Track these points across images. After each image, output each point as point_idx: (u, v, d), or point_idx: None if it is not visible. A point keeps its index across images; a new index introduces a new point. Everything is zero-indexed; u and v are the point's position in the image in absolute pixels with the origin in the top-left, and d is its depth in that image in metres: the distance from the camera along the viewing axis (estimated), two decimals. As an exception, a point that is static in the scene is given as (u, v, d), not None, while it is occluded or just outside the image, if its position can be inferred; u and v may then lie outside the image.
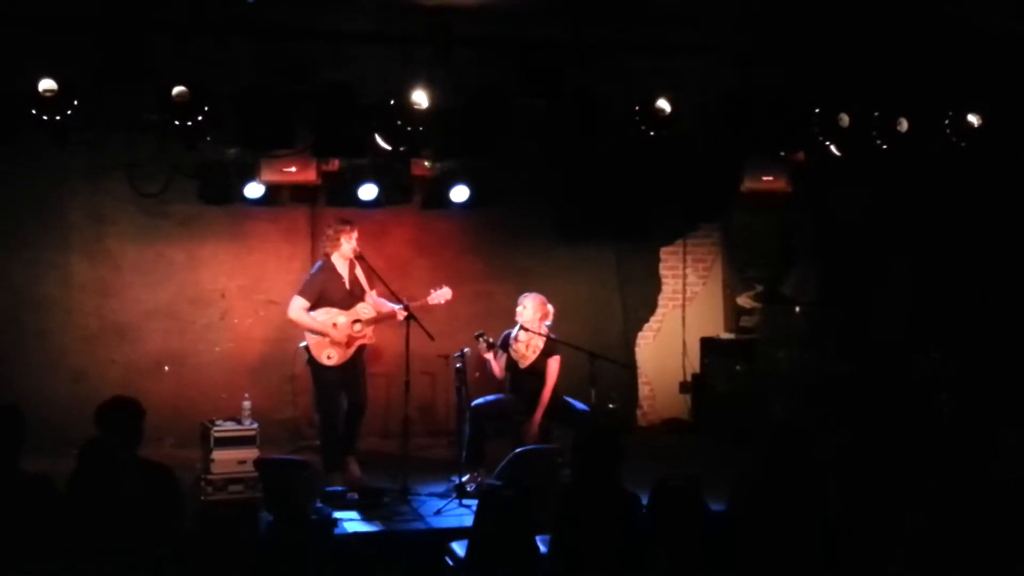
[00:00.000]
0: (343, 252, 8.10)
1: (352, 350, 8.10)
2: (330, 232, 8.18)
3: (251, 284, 9.85)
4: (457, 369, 7.99)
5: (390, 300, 8.23)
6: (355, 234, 8.10)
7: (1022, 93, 8.55)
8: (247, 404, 8.01)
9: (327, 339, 8.02)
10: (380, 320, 8.20)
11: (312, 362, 8.12)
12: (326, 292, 8.08)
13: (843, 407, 9.52)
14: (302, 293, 8.06)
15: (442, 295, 8.31)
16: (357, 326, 8.08)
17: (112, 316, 9.54)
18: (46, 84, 7.02)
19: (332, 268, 8.15)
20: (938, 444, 7.94)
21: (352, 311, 8.11)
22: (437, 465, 8.76)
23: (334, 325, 8.03)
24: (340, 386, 8.14)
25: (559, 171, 9.84)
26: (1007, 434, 6.81)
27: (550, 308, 8.43)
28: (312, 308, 8.03)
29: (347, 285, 8.16)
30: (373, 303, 8.25)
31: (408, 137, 7.81)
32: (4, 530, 4.75)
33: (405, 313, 8.01)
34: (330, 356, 8.03)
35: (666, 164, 9.30)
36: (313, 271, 8.29)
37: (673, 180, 9.83)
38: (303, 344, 8.18)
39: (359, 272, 8.22)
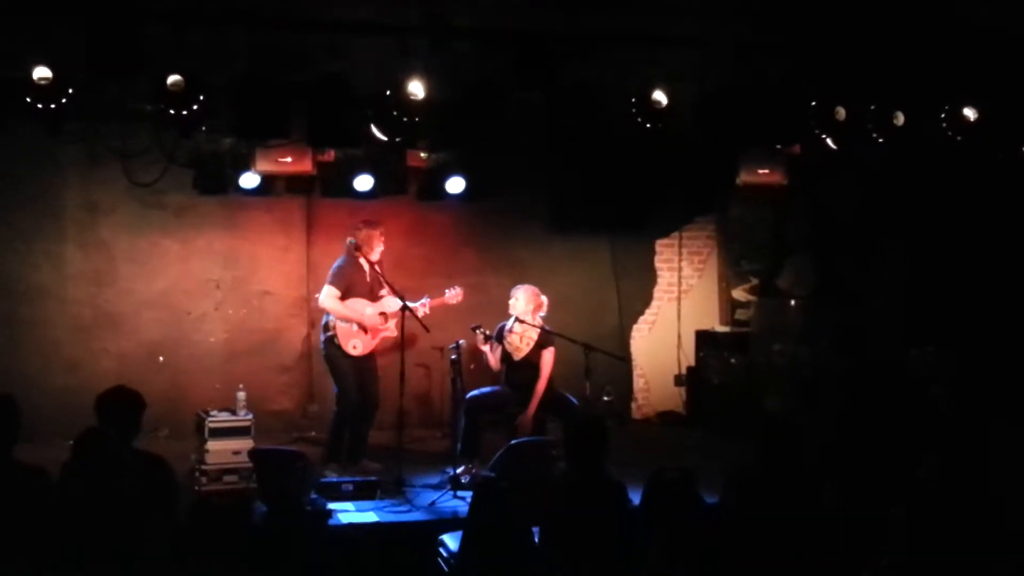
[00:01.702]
0: (366, 254, 8.15)
1: (376, 341, 8.20)
2: (360, 234, 8.15)
3: (246, 275, 9.84)
4: (452, 361, 7.98)
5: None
6: (383, 236, 8.25)
7: (1017, 87, 8.55)
8: (242, 395, 8.00)
9: (354, 329, 8.09)
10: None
11: (333, 354, 8.17)
12: (353, 283, 8.15)
13: (838, 401, 9.53)
14: (333, 283, 8.11)
15: (455, 296, 8.47)
16: (389, 322, 8.15)
17: (106, 306, 9.53)
18: (40, 72, 6.98)
19: (356, 261, 8.20)
20: (932, 438, 7.95)
21: (379, 304, 8.19)
22: (432, 457, 8.77)
23: (363, 315, 8.12)
24: (357, 378, 8.17)
25: (555, 163, 9.83)
26: (1002, 428, 6.82)
27: (543, 299, 8.43)
28: (341, 299, 8.09)
29: (368, 279, 8.23)
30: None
31: (404, 128, 7.78)
32: (-2, 520, 4.74)
33: (427, 310, 8.23)
34: (355, 346, 8.11)
35: (662, 157, 9.29)
36: (340, 263, 8.29)
37: (669, 173, 9.83)
38: (328, 335, 8.18)
39: (377, 268, 8.26)
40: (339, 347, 8.12)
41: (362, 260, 8.21)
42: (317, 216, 9.83)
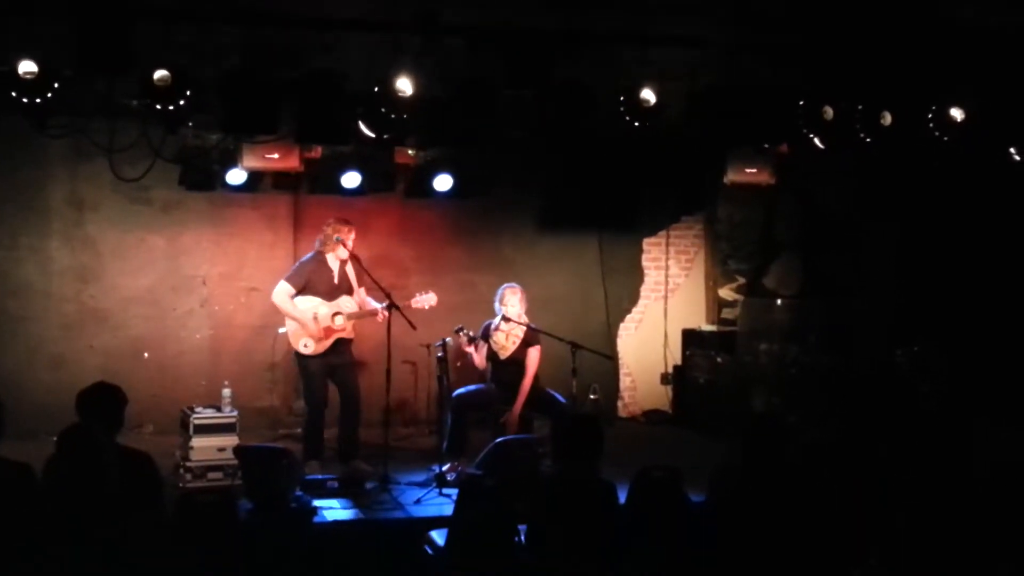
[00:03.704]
0: (338, 253, 8.10)
1: (329, 341, 8.09)
2: (328, 230, 8.12)
3: (232, 271, 9.81)
4: (439, 358, 7.97)
5: (377, 298, 8.19)
6: (352, 235, 8.11)
7: (1004, 87, 8.58)
8: (227, 391, 7.98)
9: (304, 328, 8.01)
10: (361, 316, 8.20)
11: (297, 352, 8.13)
12: (312, 282, 8.09)
13: (824, 400, 9.55)
14: (289, 279, 8.07)
15: (426, 300, 8.26)
16: (339, 319, 8.07)
17: (92, 302, 9.49)
18: (26, 66, 6.94)
19: (323, 261, 8.15)
20: (919, 438, 7.98)
21: (334, 303, 8.11)
22: (418, 454, 8.77)
23: (315, 316, 8.03)
24: (325, 377, 8.14)
25: (543, 161, 9.83)
26: (989, 428, 6.86)
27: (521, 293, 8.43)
28: (297, 295, 8.03)
29: (335, 280, 8.16)
30: (359, 300, 8.24)
31: (392, 125, 7.77)
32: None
33: (387, 313, 8.01)
34: (306, 345, 8.04)
35: (650, 155, 9.30)
36: (303, 260, 8.30)
37: (657, 171, 9.85)
38: (282, 330, 8.19)
39: (349, 268, 8.22)
40: (292, 346, 8.12)
41: (331, 257, 8.16)
42: (304, 213, 9.80)
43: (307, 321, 8.00)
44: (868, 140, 8.40)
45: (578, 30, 7.88)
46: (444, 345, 8.01)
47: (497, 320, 8.38)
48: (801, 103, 8.28)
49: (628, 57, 8.00)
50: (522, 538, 5.40)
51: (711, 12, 8.00)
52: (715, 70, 8.20)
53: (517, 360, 8.34)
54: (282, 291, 8.03)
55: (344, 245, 8.07)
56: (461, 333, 8.28)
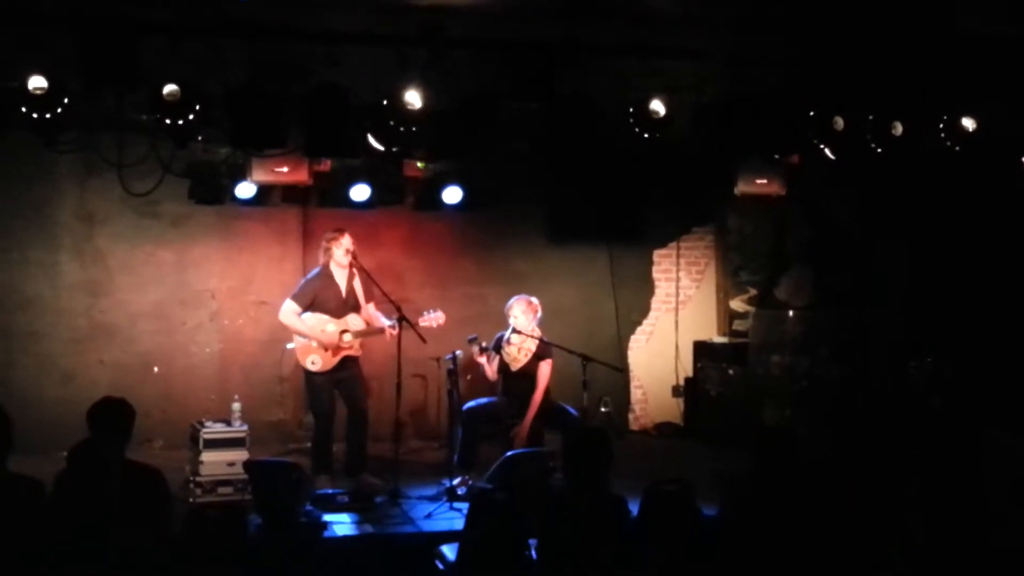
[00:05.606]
0: (337, 260, 8.09)
1: (337, 359, 8.07)
2: (323, 242, 8.17)
3: (241, 285, 9.81)
4: (449, 371, 7.96)
5: (387, 311, 8.18)
6: (344, 239, 8.10)
7: (1015, 97, 8.55)
8: (237, 406, 7.98)
9: (312, 345, 8.00)
10: (369, 334, 8.18)
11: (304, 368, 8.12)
12: (319, 299, 8.08)
13: (836, 412, 9.51)
14: (295, 298, 8.06)
15: (435, 318, 8.22)
16: (346, 337, 8.05)
17: (102, 317, 9.50)
18: (36, 82, 6.97)
19: (329, 276, 8.14)
20: (930, 448, 7.93)
21: (342, 321, 8.09)
22: (428, 468, 8.74)
23: (322, 332, 8.01)
24: (331, 390, 8.14)
25: (552, 173, 9.82)
26: (1000, 436, 6.81)
27: (535, 301, 8.39)
28: (304, 312, 8.02)
29: (343, 295, 8.14)
30: (367, 316, 8.23)
31: (401, 138, 7.78)
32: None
33: (395, 332, 7.99)
34: (314, 362, 8.03)
35: (660, 167, 9.29)
36: (309, 276, 8.29)
37: (667, 183, 9.83)
38: (290, 346, 8.17)
39: (357, 283, 8.21)
40: (299, 363, 8.12)
41: (336, 270, 8.14)
42: (313, 226, 9.79)
43: (314, 339, 7.99)
44: (879, 150, 8.37)
45: (584, 43, 7.88)
46: (454, 358, 7.99)
47: (508, 332, 8.36)
48: (811, 113, 8.26)
49: (635, 69, 7.99)
50: (533, 552, 5.37)
51: (718, 23, 7.98)
52: (723, 81, 8.18)
53: (528, 373, 8.31)
54: (288, 310, 8.03)
55: (347, 252, 8.05)
56: (474, 342, 8.26)
